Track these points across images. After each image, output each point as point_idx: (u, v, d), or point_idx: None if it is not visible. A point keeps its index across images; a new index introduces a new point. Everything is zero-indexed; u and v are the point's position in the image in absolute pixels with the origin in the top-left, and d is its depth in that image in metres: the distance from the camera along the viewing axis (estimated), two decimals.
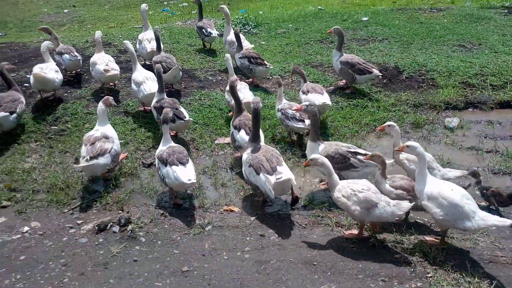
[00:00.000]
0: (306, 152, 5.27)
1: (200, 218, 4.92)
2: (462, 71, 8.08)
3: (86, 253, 4.39)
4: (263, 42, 10.15)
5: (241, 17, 11.67)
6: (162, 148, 5.17)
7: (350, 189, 4.28)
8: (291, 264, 4.22)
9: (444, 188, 4.15)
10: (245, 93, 6.41)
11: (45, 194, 5.32)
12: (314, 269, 4.16)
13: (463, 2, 14.08)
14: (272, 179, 4.60)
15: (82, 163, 5.09)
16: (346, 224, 4.75)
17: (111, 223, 4.75)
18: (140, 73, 6.75)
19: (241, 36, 8.04)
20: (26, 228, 4.76)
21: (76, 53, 7.65)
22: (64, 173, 5.65)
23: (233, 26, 10.92)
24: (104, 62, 7.11)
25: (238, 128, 5.53)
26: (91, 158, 5.06)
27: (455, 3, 14.02)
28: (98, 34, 7.60)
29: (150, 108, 6.55)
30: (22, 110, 6.30)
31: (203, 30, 9.17)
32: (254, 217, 4.94)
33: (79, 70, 8.02)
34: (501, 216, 4.49)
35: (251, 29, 11.03)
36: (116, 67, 7.25)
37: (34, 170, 5.73)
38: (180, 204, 5.10)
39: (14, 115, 6.11)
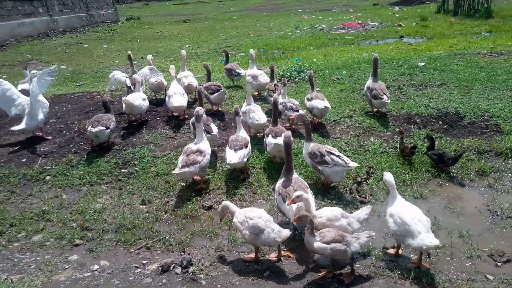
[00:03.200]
0: None
1: (258, 263, 4.98)
2: None
3: None
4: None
5: (296, 64, 12.07)
6: (232, 136, 6.74)
7: (244, 216, 4.87)
8: None
9: (402, 208, 4.73)
10: (259, 114, 7.53)
11: (113, 234, 5.66)
12: None
13: None
14: (294, 206, 5.11)
15: (176, 170, 6.12)
16: (410, 277, 4.58)
17: (173, 264, 4.94)
18: (172, 88, 8.60)
19: (260, 72, 9.76)
20: (96, 266, 5.06)
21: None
22: (131, 214, 6.01)
23: (288, 73, 11.47)
24: (155, 77, 9.65)
25: (267, 134, 6.81)
26: (183, 166, 6.08)
27: None
28: (149, 57, 10.31)
29: (177, 114, 8.77)
30: (113, 126, 7.80)
31: (233, 71, 10.78)
32: (312, 264, 4.91)
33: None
34: None
35: (305, 76, 11.34)
36: (162, 80, 9.61)
37: (104, 211, 6.14)
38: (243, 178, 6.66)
39: (109, 130, 7.57)
